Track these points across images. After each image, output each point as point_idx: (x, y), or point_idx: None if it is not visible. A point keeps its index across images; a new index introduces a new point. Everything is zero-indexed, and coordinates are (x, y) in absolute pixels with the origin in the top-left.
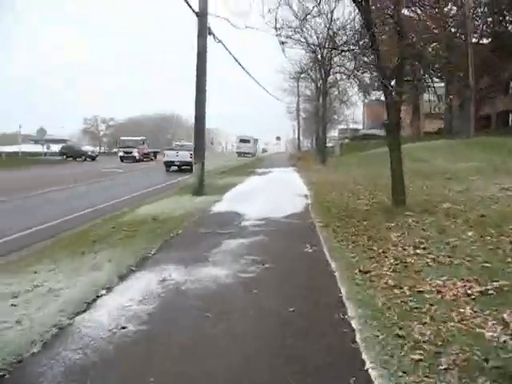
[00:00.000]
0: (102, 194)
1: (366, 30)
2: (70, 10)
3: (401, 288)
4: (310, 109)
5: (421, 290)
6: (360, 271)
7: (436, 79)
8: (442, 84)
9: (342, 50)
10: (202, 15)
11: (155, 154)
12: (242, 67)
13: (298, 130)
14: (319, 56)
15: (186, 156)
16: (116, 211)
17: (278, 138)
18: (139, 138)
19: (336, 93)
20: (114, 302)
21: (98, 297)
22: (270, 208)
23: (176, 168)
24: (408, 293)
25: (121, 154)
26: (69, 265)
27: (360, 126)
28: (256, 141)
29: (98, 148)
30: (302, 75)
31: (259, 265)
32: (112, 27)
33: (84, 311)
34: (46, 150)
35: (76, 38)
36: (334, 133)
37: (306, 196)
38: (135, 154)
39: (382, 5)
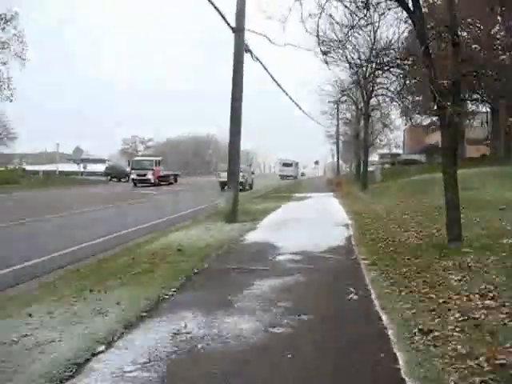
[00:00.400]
0: (132, 218)
1: (420, 42)
2: (110, 28)
3: (476, 359)
4: (349, 132)
5: (502, 362)
6: (420, 330)
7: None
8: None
9: (389, 67)
10: (238, 30)
11: (175, 176)
12: (279, 85)
13: (337, 153)
14: (361, 77)
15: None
16: (141, 238)
17: (317, 162)
18: (155, 158)
19: (378, 116)
20: (112, 364)
21: (94, 355)
22: (308, 239)
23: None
24: (486, 367)
25: (133, 176)
26: (71, 306)
27: (399, 151)
28: (297, 164)
29: None
30: (343, 98)
31: (294, 316)
32: (150, 48)
33: (70, 378)
34: (82, 170)
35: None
36: (373, 157)
37: (347, 226)
38: (149, 176)
39: (437, 15)
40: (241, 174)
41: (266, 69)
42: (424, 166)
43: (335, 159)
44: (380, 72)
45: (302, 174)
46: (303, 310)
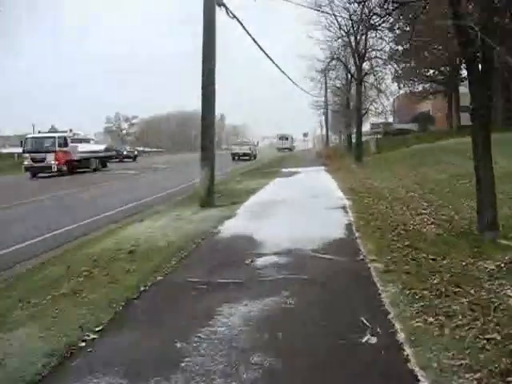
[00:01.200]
0: (93, 206)
1: None
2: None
3: None
4: (339, 102)
5: None
6: None
7: None
8: None
9: (388, 13)
10: None
11: (132, 156)
12: (263, 50)
13: (326, 124)
14: (353, 38)
15: (245, 149)
16: (98, 230)
17: (306, 135)
18: (59, 135)
19: (371, 81)
20: None
21: None
22: (298, 230)
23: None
24: None
25: (27, 162)
26: None
27: (390, 120)
28: (292, 137)
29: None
30: (333, 63)
31: None
32: (133, 23)
33: None
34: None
35: (96, 34)
36: (364, 127)
37: (344, 209)
38: (50, 161)
39: None
40: (247, 146)
41: (245, 28)
42: (418, 135)
43: (324, 131)
44: (374, 33)
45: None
46: (290, 375)
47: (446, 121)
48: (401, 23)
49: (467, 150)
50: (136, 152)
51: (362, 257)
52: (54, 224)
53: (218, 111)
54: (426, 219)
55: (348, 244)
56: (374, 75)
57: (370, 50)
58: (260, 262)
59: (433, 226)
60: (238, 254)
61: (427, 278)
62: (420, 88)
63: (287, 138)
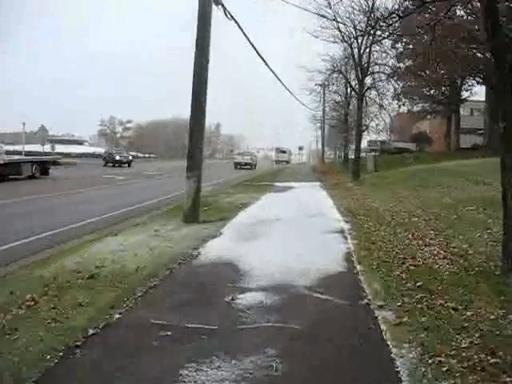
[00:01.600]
0: (80, 210)
1: None
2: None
3: None
4: (337, 117)
5: None
6: None
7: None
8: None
9: (389, 24)
10: None
11: (125, 161)
12: (259, 55)
13: (323, 139)
14: (355, 50)
15: (247, 159)
16: (75, 238)
17: (301, 148)
18: None
19: (372, 96)
20: None
21: None
22: (290, 259)
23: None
24: None
25: None
26: None
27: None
28: (290, 151)
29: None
30: (333, 75)
31: None
32: (136, 25)
33: None
34: (50, 151)
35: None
36: (361, 144)
37: (343, 234)
38: None
39: None
40: (249, 157)
41: (242, 31)
42: (416, 154)
43: (319, 146)
44: (377, 47)
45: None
46: None
47: (444, 142)
48: (403, 40)
49: (470, 173)
50: (130, 157)
51: (366, 301)
52: (23, 232)
53: (214, 120)
54: (436, 252)
55: (349, 281)
56: (377, 90)
57: (373, 63)
58: (242, 300)
59: (445, 261)
60: (217, 286)
61: (452, 339)
62: (419, 107)
63: (285, 152)
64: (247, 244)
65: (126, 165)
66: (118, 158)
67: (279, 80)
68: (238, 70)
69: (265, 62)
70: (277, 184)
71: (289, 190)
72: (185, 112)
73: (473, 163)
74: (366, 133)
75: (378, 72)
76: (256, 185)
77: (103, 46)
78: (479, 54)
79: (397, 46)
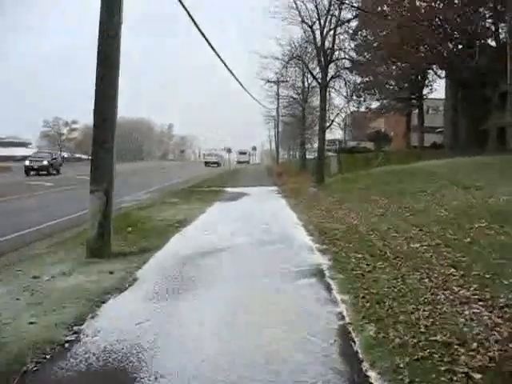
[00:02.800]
0: None
1: None
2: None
3: None
4: (293, 113)
5: None
6: None
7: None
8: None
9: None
10: None
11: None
12: (207, 40)
13: (277, 138)
14: (318, 32)
15: (215, 159)
16: None
17: (254, 148)
18: None
19: (339, 87)
20: None
21: None
22: (246, 344)
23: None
24: None
25: None
26: None
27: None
28: (249, 152)
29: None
30: (291, 64)
31: None
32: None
33: None
34: None
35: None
36: (316, 143)
37: (322, 278)
38: None
39: None
40: (216, 157)
41: (189, 13)
42: (376, 154)
43: (273, 146)
44: (342, 31)
45: (239, 162)
46: None
47: (403, 140)
48: (363, 34)
49: (449, 175)
50: (59, 159)
51: None
52: None
53: (166, 120)
54: (488, 319)
55: None
56: (344, 79)
57: (337, 49)
58: None
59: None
60: None
61: None
62: (377, 104)
63: (245, 153)
64: (173, 306)
65: (55, 171)
66: (28, 163)
67: (229, 71)
68: (193, 68)
69: (213, 49)
70: (228, 189)
71: (241, 197)
72: (132, 112)
73: (446, 164)
74: (331, 129)
75: (343, 58)
76: (204, 191)
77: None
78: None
79: (356, 37)
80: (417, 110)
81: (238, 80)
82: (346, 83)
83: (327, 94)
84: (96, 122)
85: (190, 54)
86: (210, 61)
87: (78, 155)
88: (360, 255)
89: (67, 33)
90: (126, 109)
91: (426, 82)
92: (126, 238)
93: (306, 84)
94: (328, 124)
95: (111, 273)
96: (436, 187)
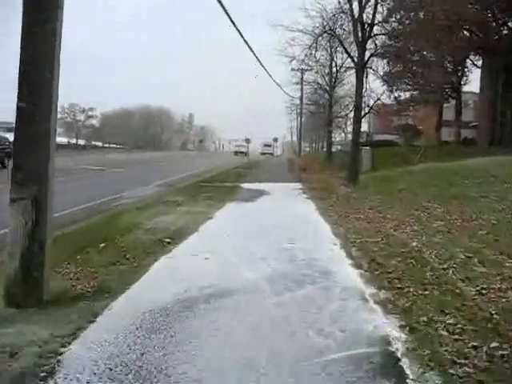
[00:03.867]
0: None
1: None
2: None
3: None
4: (317, 102)
5: None
6: None
7: None
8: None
9: None
10: None
11: None
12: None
13: (300, 129)
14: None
15: (243, 149)
16: None
17: (275, 140)
18: None
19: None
20: None
21: None
22: None
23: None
24: None
25: None
26: None
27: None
28: (273, 144)
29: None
30: (321, 41)
31: None
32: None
33: None
34: None
35: None
36: (338, 137)
37: (399, 372)
38: None
39: None
40: (245, 147)
41: None
42: (414, 149)
43: (295, 138)
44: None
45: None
46: None
47: (435, 134)
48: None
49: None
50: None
51: None
52: None
53: (186, 110)
54: None
55: None
56: (387, 57)
57: (378, 23)
58: None
59: None
60: None
61: None
62: (407, 95)
63: (270, 145)
64: None
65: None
66: None
67: (252, 51)
68: (216, 57)
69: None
70: (244, 186)
71: (259, 197)
72: (152, 101)
73: (500, 162)
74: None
75: (385, 34)
76: (217, 186)
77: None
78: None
79: (390, 19)
80: (448, 104)
81: (259, 60)
82: (388, 62)
83: (364, 76)
84: (21, 94)
85: (212, 40)
86: (233, 47)
87: (94, 143)
88: (451, 320)
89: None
90: (145, 97)
91: (464, 72)
92: (90, 262)
93: (333, 70)
94: (364, 112)
95: (12, 356)
96: (501, 191)
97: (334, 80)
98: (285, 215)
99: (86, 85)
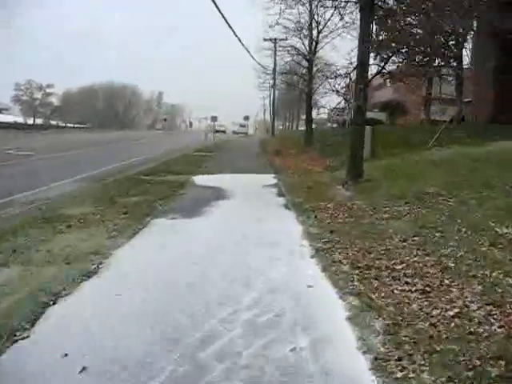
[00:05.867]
0: None
1: None
2: None
3: None
4: (293, 71)
5: None
6: None
7: None
8: None
9: None
10: None
11: None
12: None
13: (273, 105)
14: None
15: (243, 129)
16: None
17: (247, 118)
18: None
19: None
20: None
21: None
22: None
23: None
24: None
25: None
26: None
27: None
28: (247, 124)
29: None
30: None
31: None
32: None
33: None
34: None
35: None
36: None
37: None
38: None
39: None
40: (223, 128)
41: None
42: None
43: (267, 117)
44: None
45: (223, 132)
46: None
47: (423, 111)
48: None
49: None
50: None
51: None
52: None
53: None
54: None
55: None
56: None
57: None
58: None
59: None
60: None
61: None
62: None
63: (244, 126)
64: None
65: None
66: None
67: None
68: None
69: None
70: (198, 179)
71: (211, 205)
72: (116, 76)
73: None
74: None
75: None
76: (159, 180)
77: None
78: None
79: None
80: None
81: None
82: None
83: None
84: None
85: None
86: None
87: (54, 122)
88: None
89: None
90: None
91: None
92: None
93: (313, 32)
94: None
95: None
96: None
97: (314, 43)
98: (248, 257)
99: (45, 61)
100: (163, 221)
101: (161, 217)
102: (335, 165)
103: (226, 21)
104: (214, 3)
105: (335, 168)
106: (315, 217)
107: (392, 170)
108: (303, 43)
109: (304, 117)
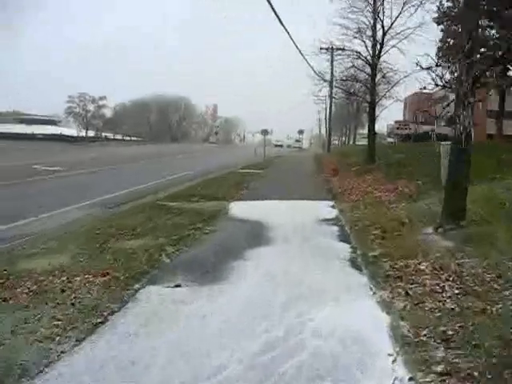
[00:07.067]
0: None
1: None
2: None
3: None
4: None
5: None
6: None
7: None
8: None
9: None
10: None
11: None
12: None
13: (329, 119)
14: None
15: (298, 144)
16: None
17: (301, 132)
18: None
19: None
20: None
21: None
22: None
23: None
24: None
25: None
26: None
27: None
28: (302, 138)
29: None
30: None
31: None
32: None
33: None
34: None
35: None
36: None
37: None
38: None
39: None
40: (299, 142)
41: None
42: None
43: (323, 131)
44: None
45: (278, 146)
46: None
47: (495, 127)
48: None
49: None
50: None
51: None
52: None
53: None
54: None
55: None
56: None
57: None
58: None
59: None
60: None
61: None
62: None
63: (299, 140)
64: None
65: None
66: None
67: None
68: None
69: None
70: (235, 208)
71: (242, 255)
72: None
73: None
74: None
75: None
76: (188, 208)
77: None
78: None
79: None
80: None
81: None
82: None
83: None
84: None
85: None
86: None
87: (106, 135)
88: None
89: None
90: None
91: None
92: None
93: (377, 34)
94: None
95: None
96: None
97: (379, 45)
98: None
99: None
100: (158, 291)
101: (159, 281)
102: (410, 191)
103: (286, 30)
104: (275, 13)
105: (411, 196)
106: (406, 293)
107: (501, 203)
108: (366, 45)
109: (361, 131)
